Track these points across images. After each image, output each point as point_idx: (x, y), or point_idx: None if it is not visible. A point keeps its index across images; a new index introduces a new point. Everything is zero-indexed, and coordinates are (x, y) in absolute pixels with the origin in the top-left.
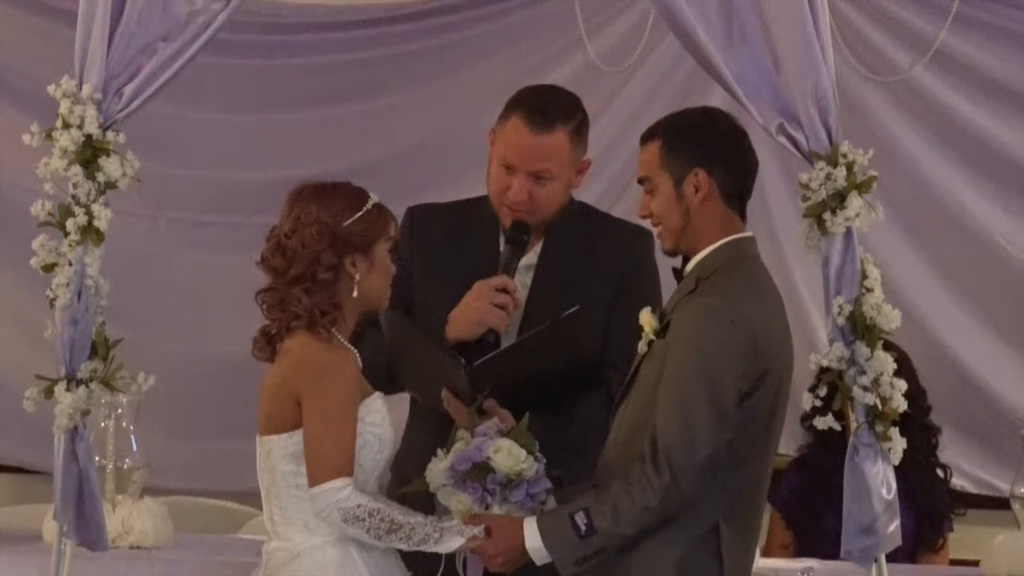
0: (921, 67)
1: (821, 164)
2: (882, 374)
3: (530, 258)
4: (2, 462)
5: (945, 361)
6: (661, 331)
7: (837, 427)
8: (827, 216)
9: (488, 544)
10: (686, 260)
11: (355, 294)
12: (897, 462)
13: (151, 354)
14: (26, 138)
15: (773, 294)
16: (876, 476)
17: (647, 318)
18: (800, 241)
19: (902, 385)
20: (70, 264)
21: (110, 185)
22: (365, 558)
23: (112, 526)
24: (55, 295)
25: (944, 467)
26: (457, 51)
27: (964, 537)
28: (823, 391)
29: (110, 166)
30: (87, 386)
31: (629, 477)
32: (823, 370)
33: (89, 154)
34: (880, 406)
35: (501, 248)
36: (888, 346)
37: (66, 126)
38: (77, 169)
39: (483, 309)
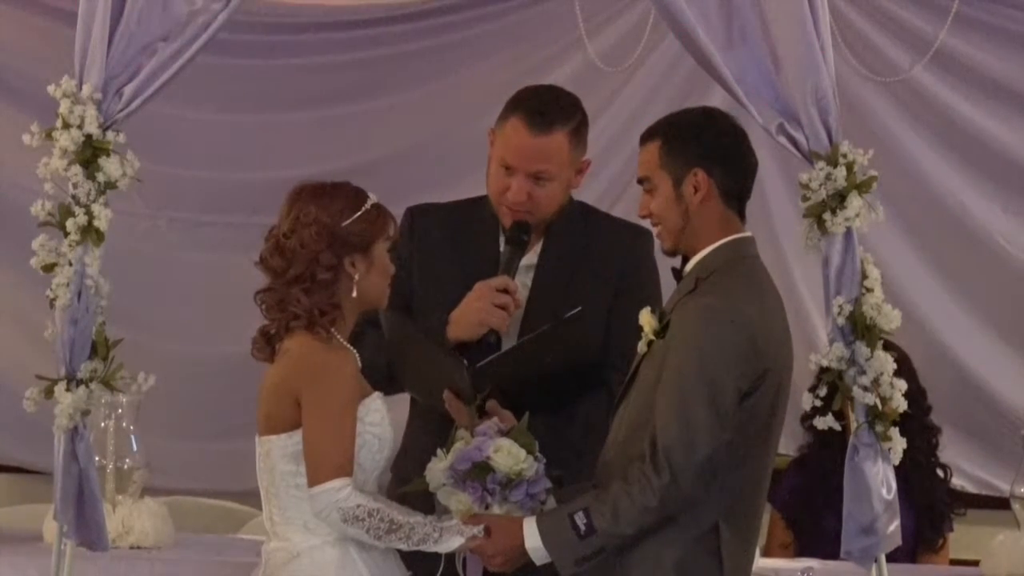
0: (921, 67)
1: (821, 164)
2: (882, 374)
3: (530, 258)
4: (2, 462)
5: (945, 361)
6: (661, 331)
7: (837, 427)
8: (827, 216)
9: (488, 544)
10: (685, 260)
11: (354, 294)
12: (897, 462)
13: (151, 354)
14: (26, 138)
15: (773, 294)
16: (876, 476)
17: (647, 318)
18: (800, 241)
19: (902, 385)
20: (70, 264)
21: (110, 185)
22: (365, 558)
23: (112, 526)
24: (55, 295)
25: (944, 467)
26: (457, 51)
27: (964, 537)
28: (823, 391)
29: (110, 166)
30: (87, 386)
31: (629, 477)
32: (823, 370)
33: (89, 154)
34: (880, 406)
35: (501, 248)
36: (888, 346)
37: (66, 126)
38: (77, 169)
39: (484, 310)
